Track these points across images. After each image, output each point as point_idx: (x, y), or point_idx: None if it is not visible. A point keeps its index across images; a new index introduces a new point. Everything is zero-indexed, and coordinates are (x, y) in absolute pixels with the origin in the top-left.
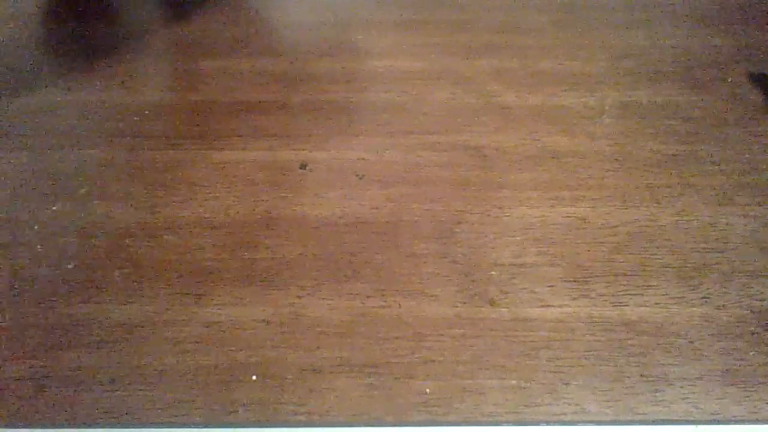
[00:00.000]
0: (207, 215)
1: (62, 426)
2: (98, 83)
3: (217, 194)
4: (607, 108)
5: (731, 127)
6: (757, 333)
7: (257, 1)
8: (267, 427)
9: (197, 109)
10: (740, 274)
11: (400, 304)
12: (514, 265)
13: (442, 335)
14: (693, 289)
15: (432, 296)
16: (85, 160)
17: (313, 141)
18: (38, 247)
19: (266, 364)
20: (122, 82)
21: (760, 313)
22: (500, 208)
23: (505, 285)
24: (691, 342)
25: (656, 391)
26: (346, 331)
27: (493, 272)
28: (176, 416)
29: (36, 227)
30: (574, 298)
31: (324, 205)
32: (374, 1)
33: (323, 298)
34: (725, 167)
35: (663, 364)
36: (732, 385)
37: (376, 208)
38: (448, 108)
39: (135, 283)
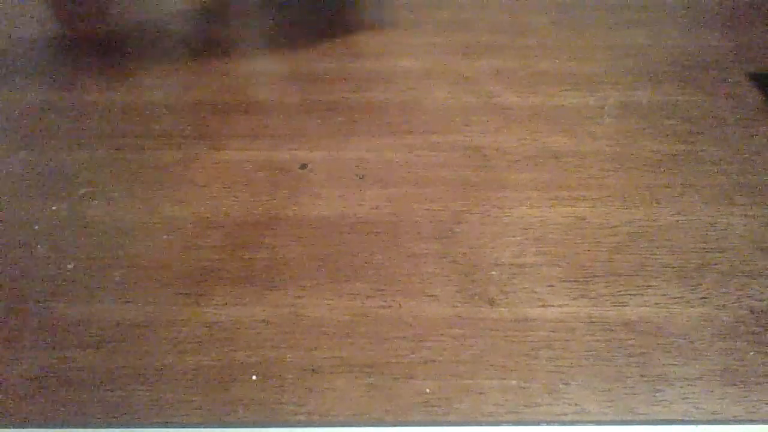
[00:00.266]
0: (207, 215)
1: (62, 426)
2: (99, 83)
3: (217, 194)
4: (607, 108)
5: (731, 127)
6: (757, 333)
7: (257, 0)
8: (267, 427)
9: (197, 109)
10: (740, 274)
11: (400, 304)
12: (514, 265)
13: (442, 335)
14: (693, 289)
15: (432, 296)
16: (85, 160)
17: (313, 141)
18: (38, 247)
19: (266, 364)
20: (122, 82)
21: (759, 313)
22: (500, 208)
23: (505, 285)
24: (691, 342)
25: (656, 391)
26: (346, 331)
27: (493, 272)
28: (176, 416)
29: (36, 227)
30: (574, 298)
31: (324, 205)
32: (374, 1)
33: (323, 298)
34: (725, 167)
35: (663, 364)
36: (732, 385)
37: (376, 208)
38: (448, 108)
39: (135, 283)
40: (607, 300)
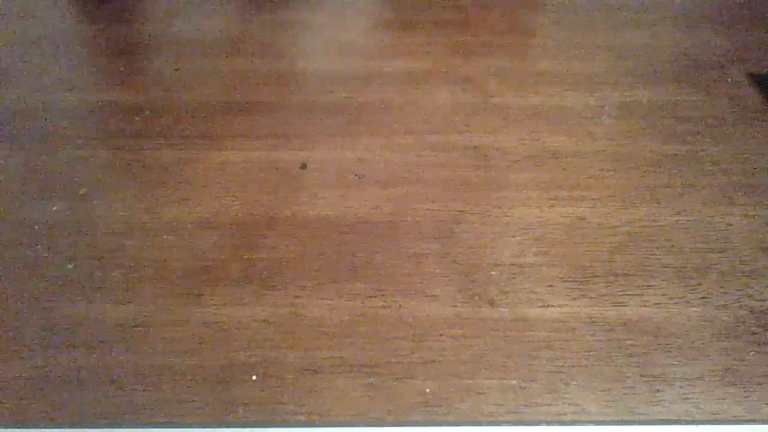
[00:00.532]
0: (207, 215)
1: (62, 426)
2: (99, 83)
3: (217, 194)
4: (607, 108)
5: (731, 127)
6: (757, 333)
7: (257, 1)
8: (267, 427)
9: (197, 109)
10: (740, 274)
11: (400, 304)
12: (514, 265)
13: (442, 335)
14: (693, 289)
15: (432, 296)
16: (85, 160)
17: (313, 141)
18: (38, 247)
19: (266, 364)
20: (123, 82)
21: (759, 313)
22: (500, 208)
23: (505, 285)
24: (691, 342)
25: (656, 391)
26: (346, 331)
27: (493, 272)
28: (176, 416)
29: (36, 227)
30: (574, 298)
31: (324, 205)
32: (374, 1)
33: (323, 298)
34: (725, 167)
35: (663, 364)
36: (732, 385)
37: (376, 208)
38: (448, 108)
39: (135, 283)
40: (607, 300)
